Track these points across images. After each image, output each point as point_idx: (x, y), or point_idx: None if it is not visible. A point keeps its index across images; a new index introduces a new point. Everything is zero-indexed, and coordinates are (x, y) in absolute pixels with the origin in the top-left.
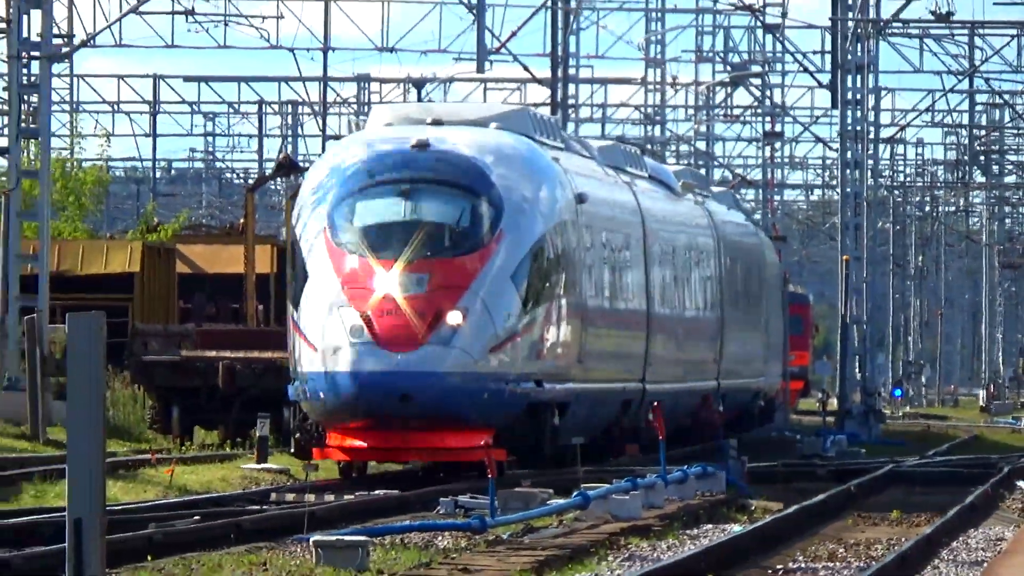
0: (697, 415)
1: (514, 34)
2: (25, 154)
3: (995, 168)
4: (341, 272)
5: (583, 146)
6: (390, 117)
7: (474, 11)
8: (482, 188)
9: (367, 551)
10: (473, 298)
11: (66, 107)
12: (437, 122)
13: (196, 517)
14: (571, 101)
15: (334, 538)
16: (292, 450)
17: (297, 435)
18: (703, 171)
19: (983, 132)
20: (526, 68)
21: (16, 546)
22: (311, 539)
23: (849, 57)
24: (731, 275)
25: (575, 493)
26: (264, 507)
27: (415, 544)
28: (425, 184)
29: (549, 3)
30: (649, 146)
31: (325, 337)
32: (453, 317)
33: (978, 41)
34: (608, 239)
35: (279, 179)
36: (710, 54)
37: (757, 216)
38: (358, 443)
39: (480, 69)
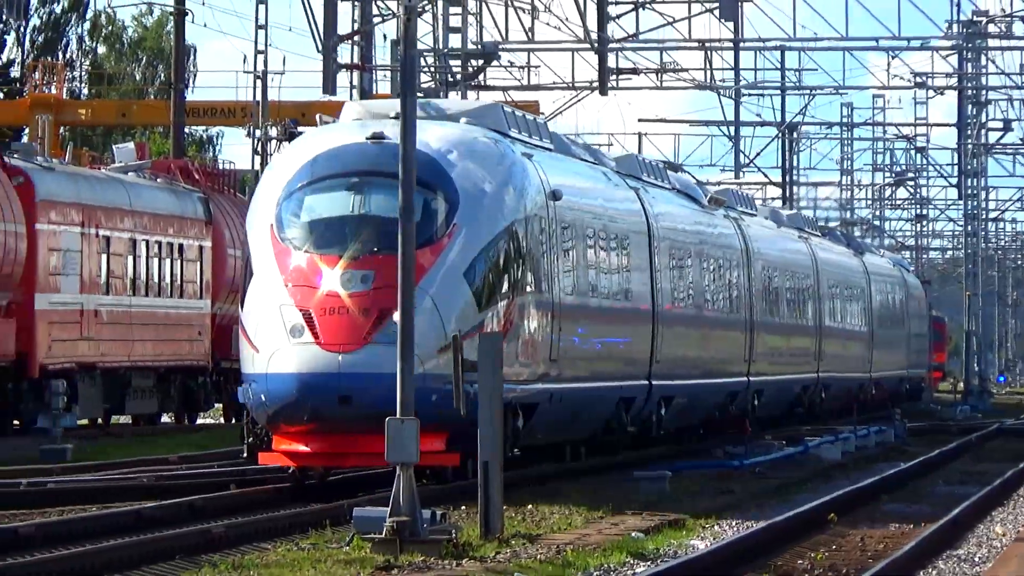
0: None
1: (758, 154)
2: None
3: None
4: (285, 269)
5: (591, 153)
6: (358, 112)
7: (732, 139)
8: (436, 181)
9: (666, 481)
10: (421, 296)
11: None
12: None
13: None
14: (795, 197)
15: (648, 473)
16: (244, 454)
17: (250, 439)
18: (875, 242)
19: None
20: (766, 175)
21: (441, 482)
22: (634, 474)
23: (969, 167)
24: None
25: (799, 443)
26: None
27: (697, 476)
28: (375, 177)
29: (780, 135)
30: (841, 224)
31: (266, 337)
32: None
33: None
34: (595, 238)
35: None
36: (882, 165)
37: (912, 269)
38: (301, 447)
39: (736, 176)
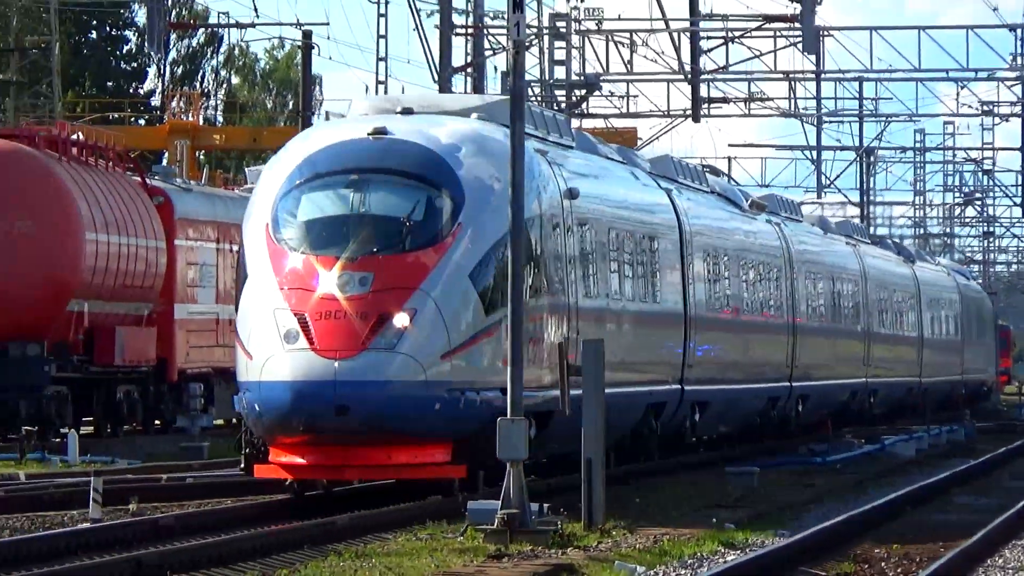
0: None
1: (838, 176)
2: None
3: None
4: (279, 271)
5: (621, 153)
6: (366, 107)
7: (814, 162)
8: (440, 178)
9: (755, 476)
10: (423, 298)
11: None
12: (407, 111)
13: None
14: (872, 215)
15: (738, 469)
16: (242, 465)
17: (247, 450)
18: (945, 256)
19: None
20: (845, 196)
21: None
22: (726, 469)
23: None
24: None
25: (876, 442)
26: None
27: (782, 471)
28: (376, 174)
29: (858, 158)
30: (915, 240)
31: (260, 343)
32: (399, 320)
33: None
34: (619, 238)
35: None
36: (952, 186)
37: (979, 280)
38: (297, 459)
39: (818, 196)
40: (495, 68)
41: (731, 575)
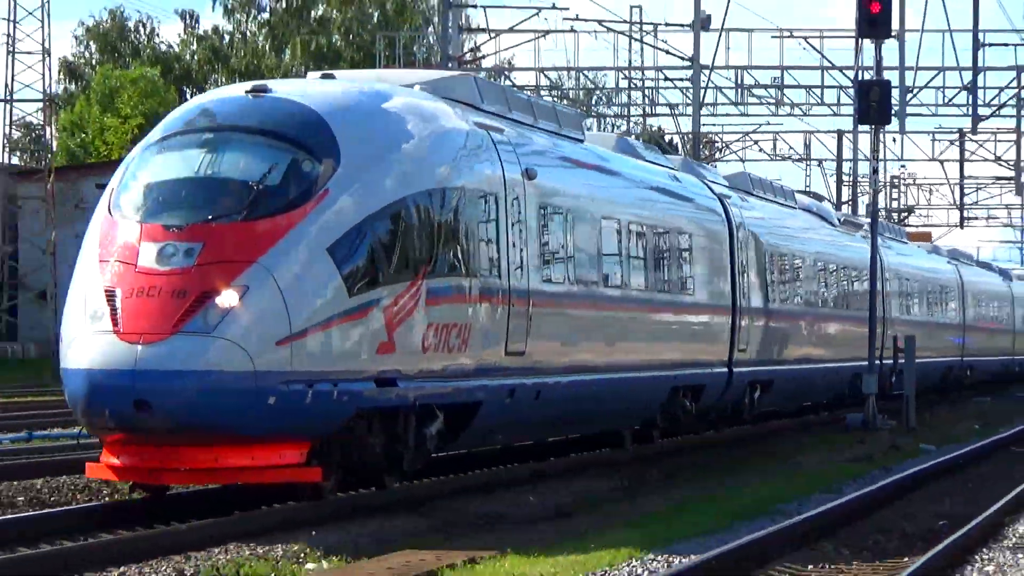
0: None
1: None
2: None
3: None
4: (104, 242)
5: (687, 167)
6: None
7: None
8: (311, 139)
9: (988, 402)
10: (260, 274)
11: None
12: (327, 75)
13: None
14: None
15: (980, 399)
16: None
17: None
18: None
19: None
20: None
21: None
22: (974, 399)
23: None
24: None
25: None
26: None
27: (1010, 401)
28: (235, 132)
29: None
30: None
31: (68, 324)
32: (225, 298)
33: None
34: (629, 231)
35: None
36: None
37: None
38: (113, 460)
39: None
40: (863, 202)
41: (977, 451)
